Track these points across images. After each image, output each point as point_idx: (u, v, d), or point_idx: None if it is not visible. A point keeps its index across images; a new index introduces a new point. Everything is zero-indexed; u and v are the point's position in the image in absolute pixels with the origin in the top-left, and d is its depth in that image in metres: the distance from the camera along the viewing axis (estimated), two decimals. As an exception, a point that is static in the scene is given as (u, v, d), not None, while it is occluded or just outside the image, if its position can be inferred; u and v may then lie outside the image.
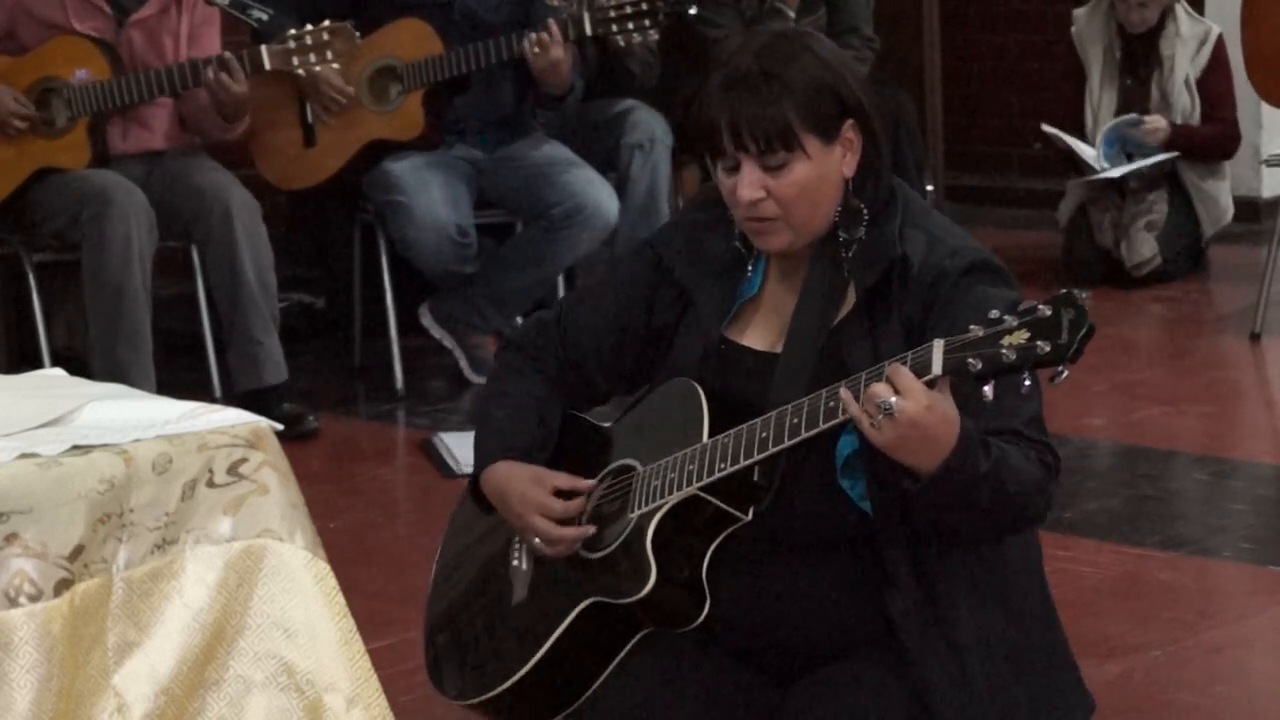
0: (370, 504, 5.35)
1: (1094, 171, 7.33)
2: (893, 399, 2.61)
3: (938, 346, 2.62)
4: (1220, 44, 7.42)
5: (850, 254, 2.90)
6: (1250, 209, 8.18)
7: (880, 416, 2.62)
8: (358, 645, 2.70)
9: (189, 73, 5.84)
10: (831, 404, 2.72)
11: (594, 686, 2.95)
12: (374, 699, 2.69)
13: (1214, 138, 7.40)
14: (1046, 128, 7.50)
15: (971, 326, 2.61)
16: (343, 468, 5.65)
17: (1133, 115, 7.35)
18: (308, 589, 2.68)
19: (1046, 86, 8.51)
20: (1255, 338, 6.62)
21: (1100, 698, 3.06)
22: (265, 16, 5.93)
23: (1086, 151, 7.37)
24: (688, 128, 2.99)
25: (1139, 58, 7.47)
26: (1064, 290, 2.60)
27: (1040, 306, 2.59)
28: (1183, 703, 3.91)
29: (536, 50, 6.05)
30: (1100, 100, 7.47)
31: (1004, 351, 2.57)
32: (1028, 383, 2.60)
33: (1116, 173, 7.29)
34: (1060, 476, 2.87)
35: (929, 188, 8.04)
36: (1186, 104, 7.40)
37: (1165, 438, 5.67)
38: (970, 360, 2.59)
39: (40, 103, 5.86)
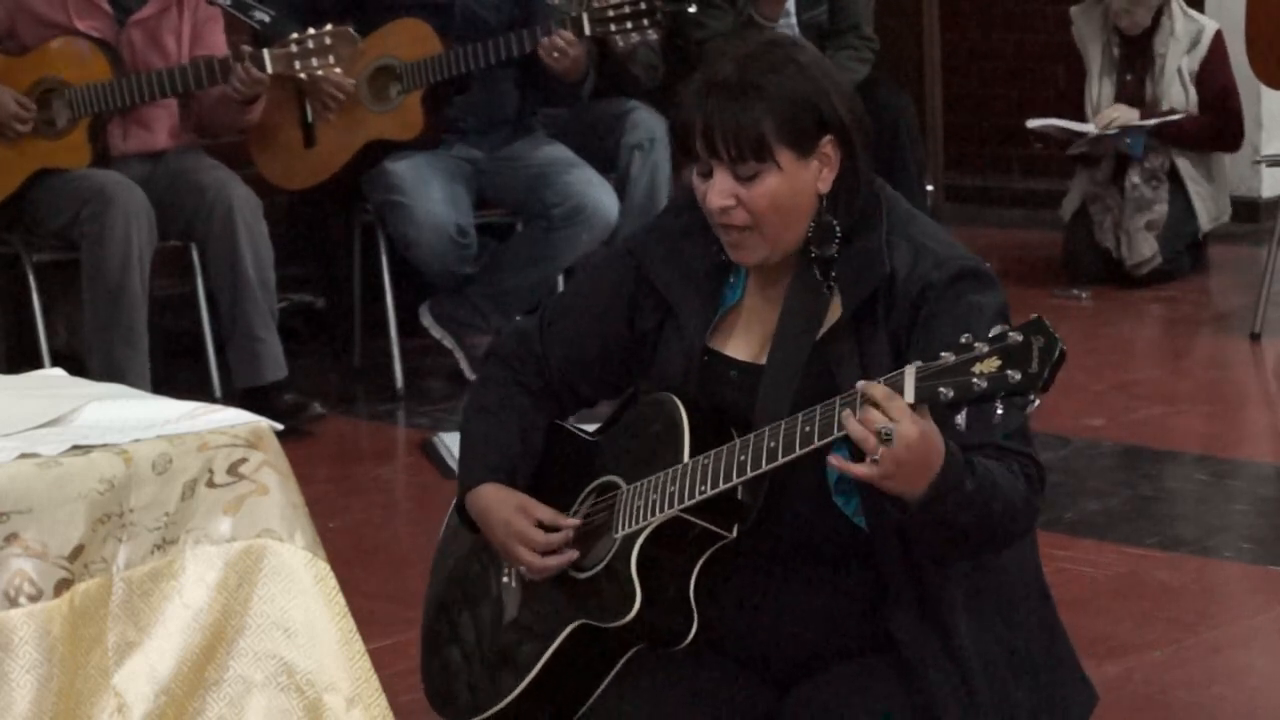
0: (370, 504, 5.35)
1: (1088, 134, 7.32)
2: (893, 425, 2.58)
3: (910, 374, 2.59)
4: (1218, 38, 7.43)
5: (833, 268, 2.86)
6: (1250, 209, 8.18)
7: (880, 447, 2.58)
8: (358, 645, 2.70)
9: (191, 74, 5.84)
10: (808, 429, 2.68)
11: (588, 702, 2.95)
12: (374, 699, 2.69)
13: (1207, 125, 7.39)
14: (1031, 123, 7.50)
15: (943, 353, 2.57)
16: (343, 468, 5.66)
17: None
18: (308, 589, 2.68)
19: (1046, 85, 8.51)
20: (1255, 338, 6.63)
21: (1100, 698, 3.06)
22: (267, 18, 5.93)
23: (1076, 125, 7.36)
24: (670, 127, 2.96)
25: (1136, 55, 7.48)
26: (1035, 316, 2.56)
27: (1011, 333, 2.54)
28: (1183, 703, 3.92)
29: (555, 55, 6.05)
30: (1099, 96, 7.48)
31: (975, 380, 2.53)
32: (1000, 412, 2.55)
33: (1115, 130, 7.27)
34: (1046, 486, 2.83)
35: (929, 188, 8.04)
36: (1181, 100, 7.40)
37: (1165, 438, 5.67)
38: (942, 389, 2.55)
39: (41, 103, 5.86)
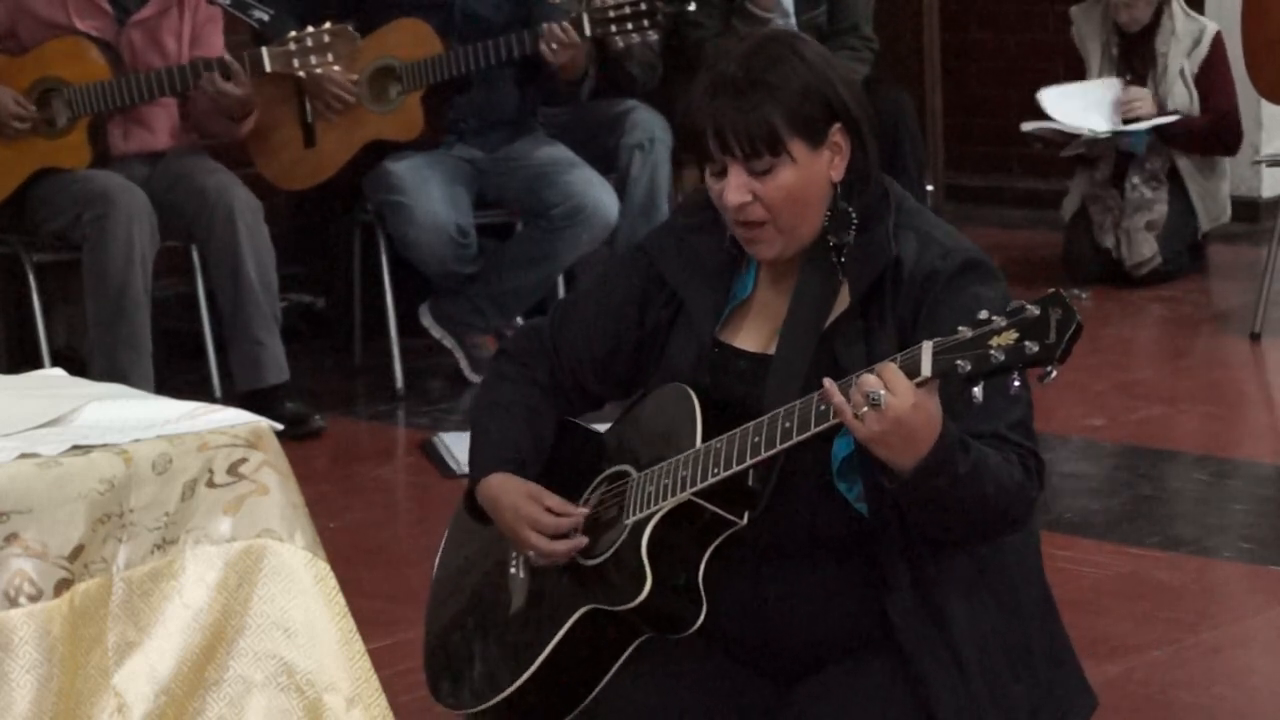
0: (370, 504, 5.35)
1: (1083, 134, 7.32)
2: (882, 392, 2.61)
3: (927, 348, 2.62)
4: (1218, 40, 7.43)
5: (843, 257, 2.89)
6: (1250, 209, 8.18)
7: (865, 409, 2.62)
8: (358, 645, 2.71)
9: (190, 74, 5.84)
10: (823, 408, 2.71)
11: (593, 693, 2.95)
12: (374, 699, 2.69)
13: (1207, 129, 7.38)
14: (1025, 126, 7.50)
15: (960, 328, 2.60)
16: (343, 468, 5.66)
17: (1114, 80, 7.34)
18: (308, 589, 2.69)
19: (1046, 86, 8.50)
20: (1255, 337, 6.63)
21: (1100, 698, 3.06)
22: (266, 17, 5.93)
23: (1071, 124, 7.35)
24: (678, 132, 2.99)
25: (1135, 55, 7.48)
26: (1052, 290, 2.59)
27: (1028, 306, 2.58)
28: (1183, 703, 3.92)
29: (554, 48, 6.05)
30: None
31: (993, 352, 2.56)
32: (1016, 383, 2.59)
33: (1106, 131, 7.25)
34: (1045, 482, 2.83)
35: (929, 188, 8.03)
36: (1184, 100, 7.40)
37: (1165, 438, 5.67)
38: (959, 362, 2.58)
39: (40, 103, 5.86)
